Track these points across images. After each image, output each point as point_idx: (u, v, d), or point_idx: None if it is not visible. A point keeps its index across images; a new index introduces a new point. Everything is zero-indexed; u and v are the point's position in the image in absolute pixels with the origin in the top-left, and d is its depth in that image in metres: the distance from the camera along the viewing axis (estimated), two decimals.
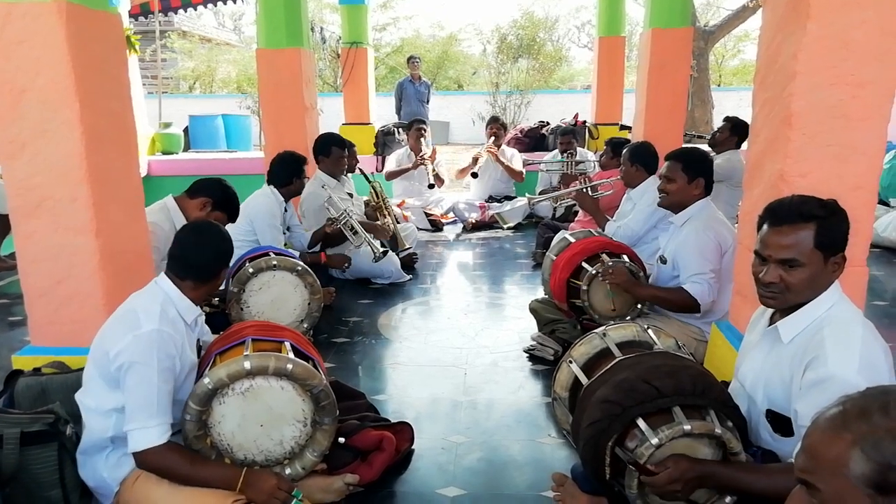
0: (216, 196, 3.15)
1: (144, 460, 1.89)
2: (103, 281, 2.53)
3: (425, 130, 6.68)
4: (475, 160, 6.65)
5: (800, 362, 1.65)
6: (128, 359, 1.87)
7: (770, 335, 1.80)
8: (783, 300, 1.72)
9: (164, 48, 17.59)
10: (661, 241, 3.19)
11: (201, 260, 2.09)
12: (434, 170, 6.53)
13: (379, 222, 4.93)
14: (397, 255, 4.86)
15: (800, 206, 1.69)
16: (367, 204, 5.32)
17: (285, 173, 4.17)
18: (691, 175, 2.93)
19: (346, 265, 4.36)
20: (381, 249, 4.38)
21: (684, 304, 2.87)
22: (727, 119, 5.38)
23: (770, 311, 1.85)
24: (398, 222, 5.30)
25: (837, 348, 1.58)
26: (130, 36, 7.02)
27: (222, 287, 3.26)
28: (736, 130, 5.18)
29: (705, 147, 5.35)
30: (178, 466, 1.91)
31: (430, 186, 6.40)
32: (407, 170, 6.56)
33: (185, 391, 2.04)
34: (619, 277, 2.98)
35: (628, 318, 3.04)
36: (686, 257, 2.88)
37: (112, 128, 2.60)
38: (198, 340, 2.24)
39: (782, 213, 1.70)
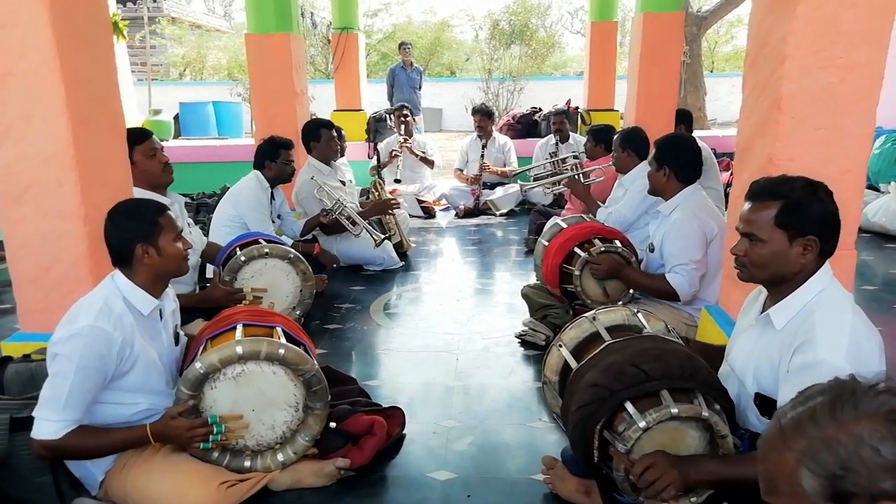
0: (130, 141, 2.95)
1: (39, 447, 1.85)
2: (92, 267, 2.51)
3: (408, 116, 6.66)
4: (475, 180, 6.60)
5: (788, 346, 1.65)
6: (54, 350, 1.85)
7: (762, 321, 1.80)
8: (748, 273, 1.77)
9: (154, 34, 17.39)
10: (651, 229, 3.20)
11: (109, 241, 2.02)
12: (419, 155, 6.60)
13: (385, 219, 4.94)
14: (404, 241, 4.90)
15: (775, 184, 1.71)
16: (366, 193, 5.33)
17: (259, 156, 4.10)
18: (658, 163, 3.00)
19: (336, 265, 4.32)
20: (382, 236, 4.38)
21: (665, 292, 2.92)
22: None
23: (763, 296, 1.85)
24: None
25: (827, 334, 1.58)
26: (118, 22, 6.96)
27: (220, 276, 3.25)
28: (678, 120, 5.20)
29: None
30: (78, 447, 1.88)
31: (397, 181, 6.32)
32: (387, 164, 6.54)
33: (153, 382, 2.03)
34: (603, 267, 3.00)
35: (620, 302, 3.05)
36: (670, 246, 2.91)
37: (99, 112, 2.57)
38: (175, 326, 2.22)
39: (756, 190, 1.75)
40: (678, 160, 2.98)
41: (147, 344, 2.01)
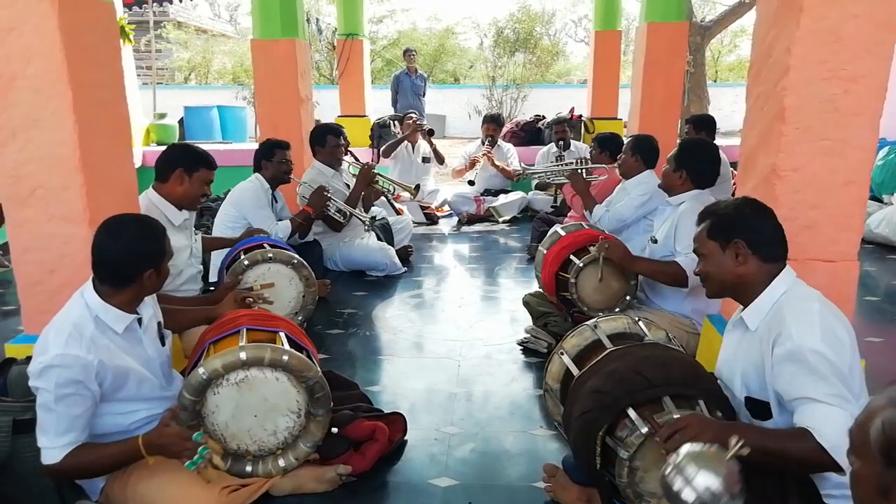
0: (181, 162, 2.98)
1: (48, 472, 1.87)
2: None
3: (422, 126, 6.70)
4: (472, 164, 6.66)
5: (767, 341, 1.71)
6: (33, 384, 1.84)
7: (739, 326, 1.88)
8: (708, 288, 1.96)
9: (160, 38, 17.50)
10: (656, 223, 3.22)
11: (113, 262, 1.94)
12: (433, 147, 6.61)
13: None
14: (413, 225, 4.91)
15: (709, 206, 1.98)
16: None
17: (257, 157, 4.15)
18: (677, 164, 3.04)
19: (326, 192, 4.28)
20: (369, 216, 4.40)
21: (675, 276, 2.89)
22: (688, 120, 5.29)
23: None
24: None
25: (798, 322, 1.66)
26: (125, 26, 6.99)
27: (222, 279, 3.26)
28: (700, 126, 5.05)
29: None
30: (82, 465, 1.88)
31: (425, 160, 6.38)
32: (402, 139, 6.59)
33: (146, 391, 2.02)
34: (617, 252, 3.00)
35: (617, 309, 3.06)
36: (682, 231, 2.90)
37: (105, 117, 2.59)
38: (159, 324, 2.19)
39: (700, 213, 1.99)
40: (698, 165, 3.01)
41: (129, 357, 1.98)
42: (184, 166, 2.99)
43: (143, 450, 1.89)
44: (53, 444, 1.83)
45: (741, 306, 1.93)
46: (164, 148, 3.19)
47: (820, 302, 1.73)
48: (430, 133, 6.58)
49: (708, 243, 1.89)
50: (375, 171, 4.75)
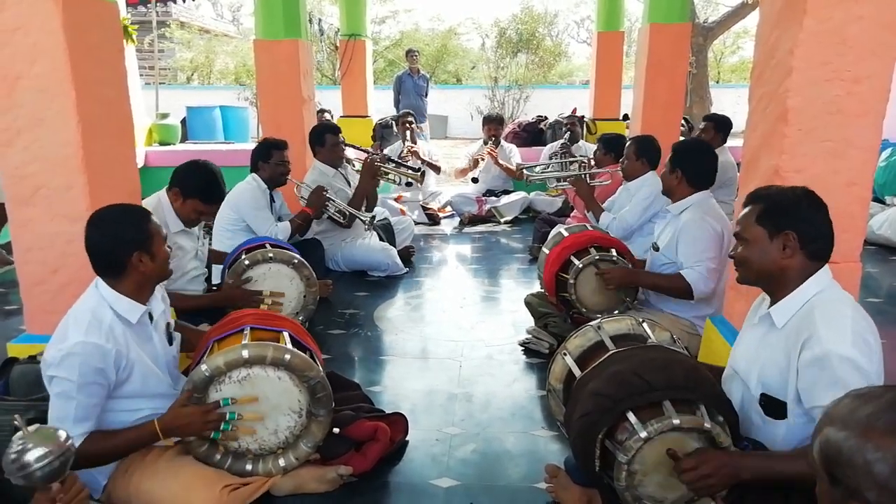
0: (183, 183, 2.97)
1: None
2: None
3: (412, 123, 6.65)
4: (475, 163, 6.65)
5: (795, 343, 1.68)
6: (50, 373, 1.83)
7: (765, 321, 1.83)
8: (742, 274, 1.87)
9: (162, 38, 17.52)
10: (657, 230, 3.21)
11: (100, 251, 1.96)
12: (424, 160, 6.52)
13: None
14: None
15: (764, 189, 1.87)
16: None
17: (253, 158, 4.11)
18: (672, 165, 3.03)
19: (325, 192, 4.28)
20: (370, 216, 4.39)
21: (680, 290, 2.90)
22: (707, 118, 5.52)
23: (767, 302, 1.87)
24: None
25: (829, 326, 1.62)
26: (128, 26, 6.99)
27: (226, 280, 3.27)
28: (721, 127, 5.31)
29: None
30: (96, 452, 1.88)
31: (409, 185, 6.33)
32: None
33: (152, 386, 2.03)
34: (615, 278, 3.00)
35: (616, 311, 3.05)
36: (684, 247, 2.90)
37: (108, 116, 2.60)
38: (167, 325, 2.20)
39: (748, 195, 1.88)
40: (691, 164, 3.00)
41: (141, 350, 2.00)
42: (180, 187, 2.97)
43: (161, 433, 1.92)
44: (70, 433, 1.83)
45: (762, 301, 1.91)
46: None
47: (852, 307, 1.69)
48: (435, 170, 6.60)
49: (755, 228, 1.79)
50: (377, 162, 4.72)
